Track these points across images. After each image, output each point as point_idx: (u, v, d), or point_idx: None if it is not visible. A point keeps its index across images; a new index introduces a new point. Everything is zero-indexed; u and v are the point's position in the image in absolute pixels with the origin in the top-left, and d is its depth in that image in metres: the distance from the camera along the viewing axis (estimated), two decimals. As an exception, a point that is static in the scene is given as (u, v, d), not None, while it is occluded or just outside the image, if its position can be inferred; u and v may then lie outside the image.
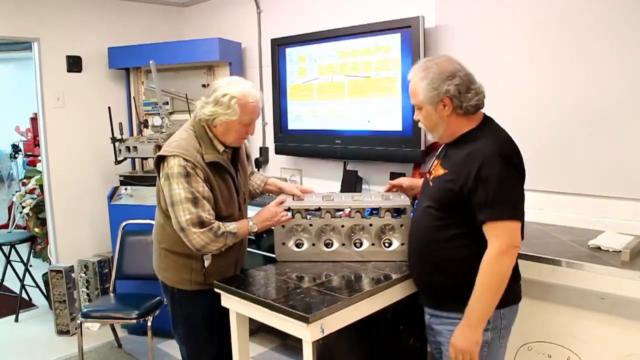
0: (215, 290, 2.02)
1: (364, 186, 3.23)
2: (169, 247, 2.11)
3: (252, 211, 2.23)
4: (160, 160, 2.00)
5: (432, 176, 1.87)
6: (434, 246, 1.81)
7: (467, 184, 1.70)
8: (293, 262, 2.23)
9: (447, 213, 1.77)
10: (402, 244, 2.16)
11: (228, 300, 2.00)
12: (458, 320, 1.79)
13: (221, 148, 2.06)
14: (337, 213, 2.22)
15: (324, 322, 1.75)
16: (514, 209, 1.70)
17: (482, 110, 1.83)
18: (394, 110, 2.94)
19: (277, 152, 3.56)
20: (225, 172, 2.08)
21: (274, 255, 2.34)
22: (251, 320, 2.06)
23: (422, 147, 2.85)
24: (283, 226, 2.21)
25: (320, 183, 3.47)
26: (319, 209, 2.25)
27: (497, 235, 1.69)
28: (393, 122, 2.95)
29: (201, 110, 2.03)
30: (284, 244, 2.21)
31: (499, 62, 2.62)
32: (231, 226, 2.03)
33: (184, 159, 1.94)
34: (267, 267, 2.20)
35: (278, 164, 3.73)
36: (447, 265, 1.80)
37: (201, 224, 1.93)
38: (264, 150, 3.79)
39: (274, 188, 2.39)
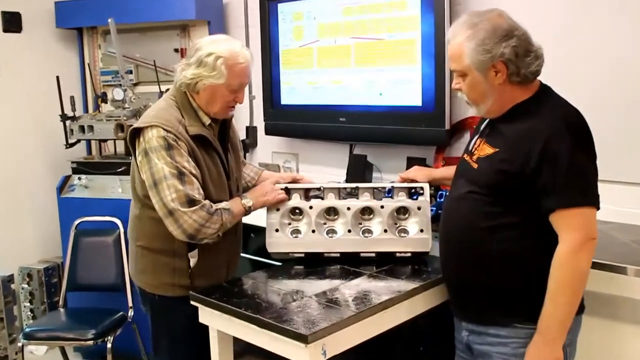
0: (192, 303, 2.02)
1: (374, 174, 3.23)
2: (147, 244, 2.14)
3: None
4: (135, 134, 2.03)
5: (475, 156, 1.87)
6: (479, 237, 1.81)
7: (528, 163, 1.70)
8: (288, 260, 2.26)
9: (499, 199, 1.77)
10: (421, 231, 2.21)
11: (207, 316, 2.00)
12: (514, 340, 1.79)
13: (207, 120, 2.10)
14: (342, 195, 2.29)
15: (327, 342, 1.74)
16: (589, 192, 1.70)
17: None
18: (411, 81, 2.93)
19: (268, 132, 3.56)
20: (213, 151, 2.11)
21: (264, 260, 2.34)
22: (236, 340, 2.05)
23: (447, 126, 2.85)
24: (277, 209, 2.25)
25: (321, 171, 3.47)
26: (320, 189, 2.31)
27: (571, 226, 1.68)
28: (411, 95, 2.95)
29: (182, 74, 2.07)
30: (277, 230, 2.24)
31: (549, 18, 2.60)
32: (222, 204, 2.07)
33: (164, 129, 1.98)
34: (256, 274, 2.21)
35: (269, 147, 3.73)
36: (497, 262, 1.80)
37: (191, 202, 1.96)
38: (251, 131, 3.78)
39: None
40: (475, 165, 1.85)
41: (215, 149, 2.11)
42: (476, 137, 1.93)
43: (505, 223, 1.77)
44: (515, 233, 1.76)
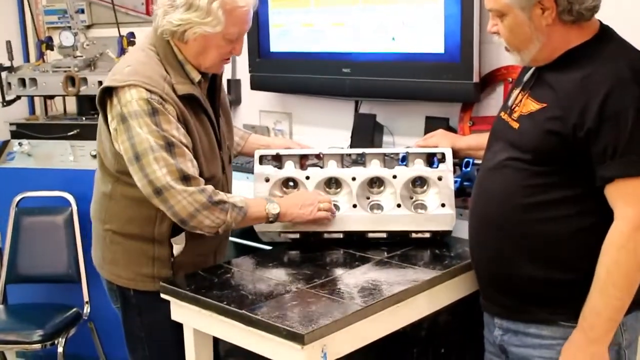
0: (162, 296, 2.04)
1: (386, 138, 3.23)
2: (119, 228, 2.14)
3: (240, 180, 2.26)
4: (107, 95, 2.01)
5: (516, 114, 1.87)
6: (520, 215, 1.81)
7: (584, 122, 1.68)
8: (279, 244, 2.28)
9: (547, 166, 1.77)
10: (443, 205, 2.23)
11: (181, 312, 2.02)
12: (560, 342, 1.80)
13: (197, 76, 2.09)
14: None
15: (327, 343, 1.75)
16: None
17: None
18: (431, 23, 2.91)
19: (254, 86, 3.55)
20: (204, 115, 2.11)
21: (250, 243, 2.36)
22: (217, 341, 2.08)
23: (476, 78, 2.83)
24: (267, 179, 2.26)
25: (320, 134, 3.45)
26: (319, 156, 2.32)
27: (631, 200, 1.67)
28: (430, 41, 2.92)
29: (164, 19, 2.03)
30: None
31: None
32: (237, 198, 2.07)
33: (147, 89, 1.96)
34: (240, 260, 2.22)
35: (255, 105, 3.72)
36: (544, 246, 1.80)
37: (185, 179, 1.96)
38: (233, 85, 3.76)
39: (259, 147, 2.44)
40: (516, 125, 1.85)
41: (206, 113, 2.11)
42: (517, 90, 1.92)
43: (555, 198, 1.77)
44: (567, 211, 1.77)
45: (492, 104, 2.92)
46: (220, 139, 2.17)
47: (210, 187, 2.00)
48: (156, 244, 2.11)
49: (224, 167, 2.19)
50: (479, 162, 2.29)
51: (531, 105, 1.82)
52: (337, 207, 2.28)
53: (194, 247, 2.14)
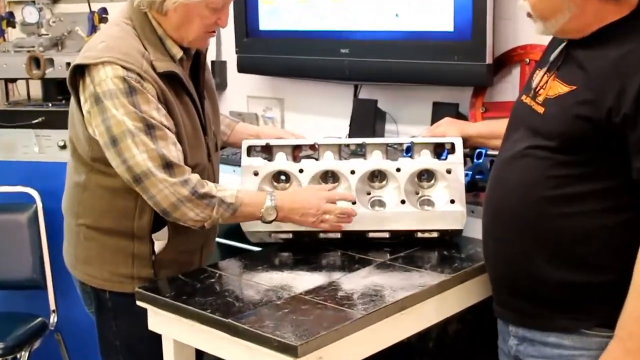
0: (138, 304, 2.04)
1: (388, 126, 3.23)
2: (94, 222, 2.14)
3: (226, 174, 2.26)
4: (79, 74, 2.01)
5: (541, 97, 1.87)
6: (543, 210, 1.81)
7: (619, 107, 1.67)
8: (270, 244, 2.28)
9: (575, 155, 1.77)
10: (452, 202, 2.24)
11: (159, 321, 2.01)
12: (582, 352, 1.80)
13: (178, 52, 2.09)
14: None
15: (324, 355, 1.75)
16: None
17: None
18: (440, -4, 2.94)
19: (242, 69, 3.55)
20: (186, 95, 2.12)
21: (237, 244, 2.35)
22: (200, 354, 2.08)
23: (489, 59, 2.83)
24: (256, 173, 2.27)
25: (315, 122, 3.47)
26: (314, 147, 2.33)
27: None
28: (438, 17, 2.93)
29: None
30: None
31: None
32: (228, 192, 2.06)
33: (123, 66, 1.96)
34: (226, 263, 2.22)
35: (243, 89, 3.73)
36: (570, 245, 1.80)
37: (168, 165, 1.97)
38: (218, 67, 3.76)
39: (247, 136, 2.44)
40: (540, 110, 1.85)
41: (189, 94, 2.11)
42: (542, 70, 1.92)
43: (582, 191, 1.77)
44: (596, 205, 1.76)
45: (507, 88, 2.92)
46: (205, 123, 2.17)
47: (195, 178, 2.00)
48: (135, 239, 2.12)
49: (209, 155, 2.19)
50: (493, 152, 2.30)
51: (559, 88, 1.81)
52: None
53: (177, 243, 2.14)
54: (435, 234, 2.26)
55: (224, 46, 3.73)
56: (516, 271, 1.89)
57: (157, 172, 1.95)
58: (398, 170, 2.26)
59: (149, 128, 1.95)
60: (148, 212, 2.05)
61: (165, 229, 2.11)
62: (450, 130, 2.33)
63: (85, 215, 2.15)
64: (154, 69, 2.01)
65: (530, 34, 2.71)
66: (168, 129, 1.99)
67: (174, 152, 1.98)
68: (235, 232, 2.37)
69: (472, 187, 2.36)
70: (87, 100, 1.99)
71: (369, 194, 2.29)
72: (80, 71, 2.00)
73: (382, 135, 3.17)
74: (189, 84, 2.11)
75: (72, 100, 2.07)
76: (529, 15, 1.86)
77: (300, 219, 2.16)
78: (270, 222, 2.13)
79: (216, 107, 2.31)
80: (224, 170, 2.38)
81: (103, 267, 2.15)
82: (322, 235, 2.26)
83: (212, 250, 2.34)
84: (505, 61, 2.90)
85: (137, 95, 1.96)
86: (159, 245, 2.14)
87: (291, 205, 2.15)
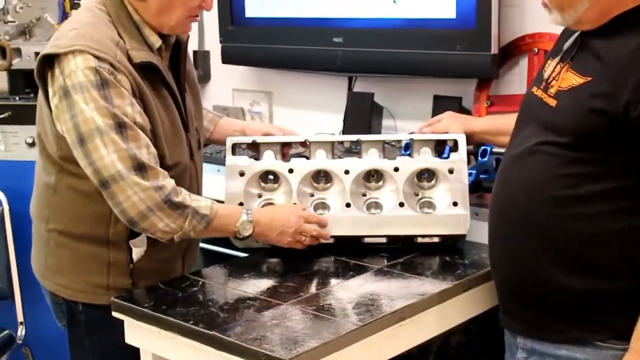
0: (114, 315, 2.03)
1: (385, 122, 3.24)
2: (66, 227, 2.13)
3: (209, 174, 2.25)
4: (47, 65, 2.00)
5: (553, 89, 1.87)
6: (555, 212, 1.81)
7: (637, 100, 1.68)
8: (257, 250, 2.28)
9: (590, 152, 1.77)
10: (455, 204, 2.24)
11: (137, 333, 2.00)
12: None
13: (157, 41, 2.08)
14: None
15: (316, 370, 1.77)
16: None
17: None
18: (442, -20, 2.93)
19: (226, 60, 3.56)
20: (165, 89, 2.10)
21: (221, 250, 2.34)
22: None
23: (494, 49, 2.84)
24: (242, 173, 2.27)
25: (306, 116, 3.47)
26: (305, 144, 2.33)
27: None
28: (439, 4, 2.93)
29: None
30: (241, 204, 2.25)
31: None
32: (203, 202, 2.04)
33: (95, 56, 1.94)
34: (210, 270, 2.22)
35: (227, 82, 3.73)
36: (584, 250, 1.80)
37: (140, 168, 1.94)
38: (201, 58, 3.77)
39: (232, 132, 2.44)
40: (552, 103, 1.85)
41: (169, 87, 2.10)
42: (555, 60, 1.92)
43: (596, 191, 1.77)
44: (612, 206, 1.76)
45: (514, 81, 2.93)
46: (186, 119, 2.16)
47: (170, 184, 1.98)
48: (111, 247, 2.10)
49: (191, 153, 2.18)
50: (499, 150, 2.30)
51: (572, 79, 1.81)
52: (326, 207, 2.28)
53: (157, 250, 2.13)
54: (436, 239, 2.26)
55: (207, 35, 3.73)
56: (525, 278, 1.89)
57: (128, 174, 1.92)
58: (396, 169, 2.26)
59: (120, 126, 1.93)
60: None
61: (144, 235, 2.10)
62: (453, 126, 2.32)
63: (56, 220, 2.14)
64: (129, 59, 1.99)
65: (539, 21, 2.71)
66: (142, 128, 1.97)
67: (146, 154, 1.96)
68: (219, 237, 2.36)
69: (477, 188, 2.37)
70: (56, 93, 1.97)
71: (364, 195, 2.28)
72: (48, 62, 1.98)
73: (379, 132, 3.17)
74: (168, 76, 2.10)
75: (40, 93, 2.05)
76: (544, 5, 1.86)
77: (276, 238, 2.17)
78: (245, 238, 2.12)
79: (198, 101, 2.30)
80: (207, 170, 2.37)
81: (76, 276, 2.14)
82: None
83: (195, 257, 2.33)
84: (512, 51, 2.91)
85: (110, 88, 1.94)
86: (137, 252, 2.12)
87: (270, 222, 2.15)
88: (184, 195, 2.00)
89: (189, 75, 2.24)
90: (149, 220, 1.96)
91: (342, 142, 2.33)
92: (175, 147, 2.10)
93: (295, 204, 2.25)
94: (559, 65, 1.88)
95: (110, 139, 1.92)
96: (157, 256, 2.14)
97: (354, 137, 2.34)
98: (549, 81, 1.89)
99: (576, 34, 1.88)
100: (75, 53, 1.94)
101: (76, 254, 2.13)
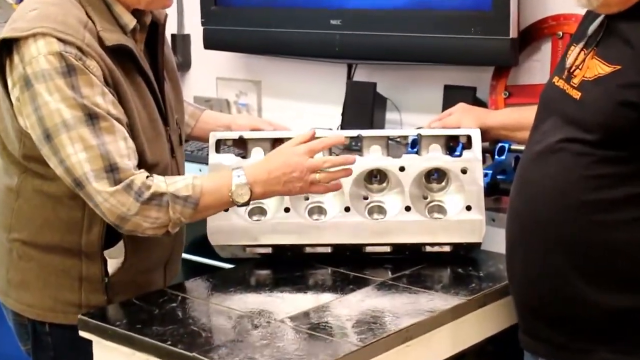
0: (81, 334, 2.02)
1: (390, 115, 3.26)
2: (31, 238, 2.12)
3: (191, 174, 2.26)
4: (5, 51, 1.98)
5: (577, 79, 1.88)
6: (581, 217, 1.82)
7: None
8: (244, 260, 2.28)
9: (621, 151, 1.78)
10: (468, 208, 2.23)
11: (108, 356, 1.99)
12: None
13: (131, 21, 2.06)
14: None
15: (312, 396, 1.77)
16: None
17: None
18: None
19: (209, 45, 3.57)
20: (141, 77, 2.09)
21: (204, 260, 2.34)
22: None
23: (513, 33, 2.86)
24: None
25: (299, 109, 3.49)
26: None
27: None
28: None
29: None
30: (226, 209, 2.23)
31: None
32: (181, 182, 2.00)
33: (60, 39, 1.92)
34: (191, 283, 2.22)
35: (210, 70, 3.75)
36: (612, 260, 1.80)
37: (112, 169, 1.91)
38: (180, 42, 3.79)
39: (216, 127, 2.44)
40: (576, 95, 1.86)
41: (144, 74, 2.09)
42: (578, 46, 1.93)
43: (629, 194, 1.78)
44: None
45: (535, 68, 2.94)
46: (165, 111, 2.16)
47: (139, 178, 1.94)
48: (84, 258, 2.09)
49: (172, 150, 2.17)
50: (518, 147, 2.30)
51: (598, 68, 1.82)
52: (322, 211, 2.28)
53: (136, 260, 2.13)
54: (447, 248, 2.26)
55: (186, 16, 3.74)
56: (547, 293, 1.90)
57: (94, 179, 1.91)
58: (402, 169, 2.26)
59: (91, 118, 1.92)
60: (99, 223, 2.03)
61: (121, 243, 2.10)
62: (466, 120, 2.33)
63: (19, 228, 2.13)
64: (100, 42, 1.98)
65: (563, 1, 2.72)
66: (118, 120, 1.96)
67: (124, 150, 1.95)
68: (201, 246, 2.37)
69: (493, 190, 2.37)
70: (16, 84, 1.95)
71: (366, 198, 2.29)
72: (6, 47, 1.96)
73: (383, 127, 3.18)
74: (144, 62, 2.09)
75: None
76: None
77: (284, 189, 2.08)
78: (246, 203, 2.06)
79: (178, 90, 2.30)
80: (188, 170, 2.35)
81: (43, 293, 2.12)
82: (308, 249, 2.26)
83: (177, 268, 2.33)
84: (533, 35, 2.91)
85: (77, 75, 1.92)
86: (112, 264, 2.12)
87: (267, 176, 2.06)
88: (157, 183, 1.96)
89: (167, 61, 2.24)
90: (131, 222, 1.95)
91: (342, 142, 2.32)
92: (153, 144, 2.09)
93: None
94: (582, 52, 1.89)
95: (79, 135, 1.91)
96: (135, 267, 2.14)
97: (354, 133, 2.33)
98: (571, 70, 1.90)
99: (601, 16, 1.88)
100: (36, 37, 1.93)
101: (43, 267, 2.12)
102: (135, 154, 1.98)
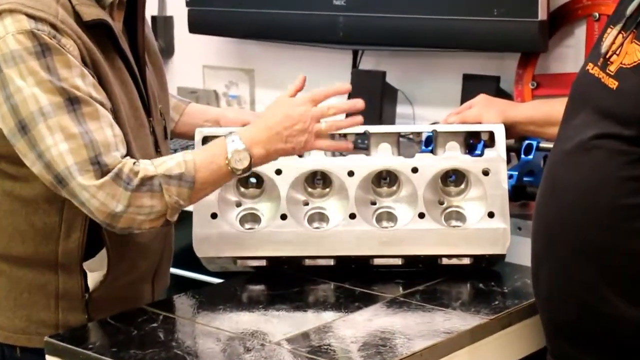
0: (48, 359, 2.01)
1: (401, 109, 3.28)
2: (1, 248, 2.11)
3: None
4: None
5: (613, 66, 1.87)
6: (618, 223, 1.82)
7: None
8: (235, 274, 2.29)
9: None
10: (491, 215, 2.23)
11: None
12: None
13: None
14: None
15: None
16: None
17: None
18: None
19: (195, 28, 3.59)
20: (120, 58, 2.09)
21: (191, 275, 2.34)
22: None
23: (542, 15, 2.87)
24: None
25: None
26: None
27: None
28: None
29: None
30: (214, 216, 2.26)
31: None
32: (171, 162, 1.98)
33: (30, 15, 1.91)
34: (175, 300, 2.22)
35: (196, 57, 3.78)
36: None
37: (97, 161, 1.89)
38: (162, 25, 3.82)
39: (203, 122, 2.46)
40: (613, 84, 1.86)
41: (125, 57, 2.09)
42: (615, 29, 1.93)
43: None
44: None
45: (567, 55, 2.95)
46: (148, 100, 2.16)
47: (127, 166, 1.92)
48: (61, 271, 2.08)
49: (157, 145, 2.17)
50: (547, 145, 2.30)
51: (638, 53, 1.82)
52: (324, 218, 2.28)
53: (121, 272, 2.12)
54: (467, 261, 2.26)
55: (169, -3, 3.76)
56: (579, 312, 1.90)
57: (78, 173, 1.89)
58: (414, 170, 2.26)
59: (72, 103, 1.90)
60: (78, 229, 2.02)
61: (103, 253, 2.09)
62: (488, 114, 2.33)
63: None
64: (77, 17, 1.97)
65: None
66: (101, 104, 1.95)
67: (111, 138, 1.93)
68: (186, 257, 2.37)
69: (519, 194, 2.37)
70: None
71: (373, 204, 2.29)
72: None
73: (393, 122, 3.19)
74: (123, 43, 2.09)
75: None
76: None
77: (287, 146, 2.06)
78: (247, 169, 2.03)
79: (162, 77, 2.30)
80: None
81: (14, 312, 2.12)
82: (308, 262, 2.27)
83: (167, 281, 2.34)
84: (565, 17, 2.92)
85: (53, 55, 1.91)
86: (93, 278, 2.11)
87: (267, 134, 2.04)
88: (145, 167, 1.95)
89: (148, 43, 2.24)
90: (124, 218, 1.93)
91: (344, 135, 2.31)
92: (137, 136, 2.09)
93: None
94: (620, 35, 1.88)
95: (58, 123, 1.89)
96: (120, 281, 2.13)
97: (360, 129, 2.33)
98: (607, 56, 1.89)
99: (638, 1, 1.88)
100: (2, 14, 1.92)
101: (14, 283, 2.11)
102: (123, 142, 1.96)
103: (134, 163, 1.94)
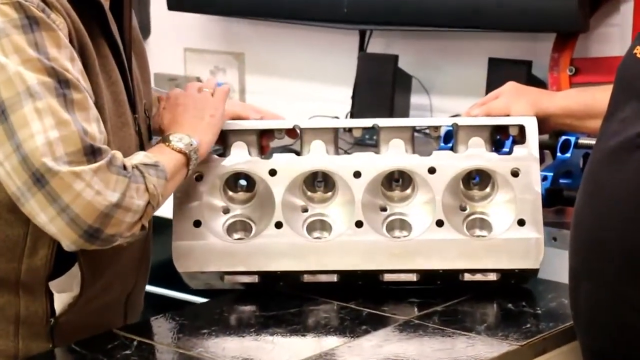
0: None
1: (416, 99, 3.31)
2: None
3: None
4: None
5: None
6: None
7: None
8: (222, 292, 2.30)
9: None
10: (521, 223, 2.23)
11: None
12: None
13: None
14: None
15: None
16: None
17: None
18: None
19: (174, 5, 3.61)
20: (108, 46, 2.10)
21: (172, 294, 2.35)
22: None
23: (581, -10, 2.88)
24: (200, 177, 2.26)
25: (296, 90, 3.54)
26: (294, 133, 2.33)
27: None
28: None
29: None
30: (198, 224, 2.27)
31: None
32: (137, 156, 2.02)
33: None
34: (153, 323, 2.23)
35: (176, 38, 3.82)
36: None
37: (92, 151, 1.87)
38: (135, 1, 3.76)
39: None
40: None
41: (114, 44, 2.10)
42: None
43: None
44: None
45: (611, 36, 2.96)
46: (134, 94, 2.17)
47: (119, 153, 1.94)
48: (23, 293, 2.09)
49: (142, 144, 2.18)
50: (587, 141, 2.31)
51: None
52: (326, 226, 2.30)
53: (93, 292, 2.12)
54: (493, 276, 2.26)
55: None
56: (626, 337, 1.91)
57: (68, 165, 1.85)
58: (432, 171, 2.27)
59: (62, 86, 1.89)
60: (46, 244, 2.02)
61: (73, 270, 2.09)
62: (518, 105, 2.33)
63: None
64: None
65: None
66: (88, 94, 1.95)
67: (98, 134, 1.92)
68: (165, 273, 2.38)
69: (555, 199, 2.38)
70: None
71: (384, 210, 2.30)
72: None
73: (407, 114, 3.20)
74: (113, 27, 2.10)
75: None
76: None
77: (209, 121, 2.23)
78: (194, 148, 2.13)
79: (146, 68, 2.33)
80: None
81: None
82: (307, 277, 2.27)
83: (141, 304, 2.35)
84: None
85: (42, 31, 1.89)
86: (61, 299, 2.11)
87: (190, 119, 2.21)
88: (129, 160, 1.98)
89: (136, 41, 2.26)
90: (115, 218, 1.91)
91: (350, 129, 2.32)
92: (119, 135, 2.10)
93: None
94: None
95: (48, 106, 1.87)
96: (92, 304, 2.14)
97: (368, 122, 2.35)
98: None
99: None
100: None
101: None
102: (105, 137, 1.95)
103: (115, 154, 1.93)
